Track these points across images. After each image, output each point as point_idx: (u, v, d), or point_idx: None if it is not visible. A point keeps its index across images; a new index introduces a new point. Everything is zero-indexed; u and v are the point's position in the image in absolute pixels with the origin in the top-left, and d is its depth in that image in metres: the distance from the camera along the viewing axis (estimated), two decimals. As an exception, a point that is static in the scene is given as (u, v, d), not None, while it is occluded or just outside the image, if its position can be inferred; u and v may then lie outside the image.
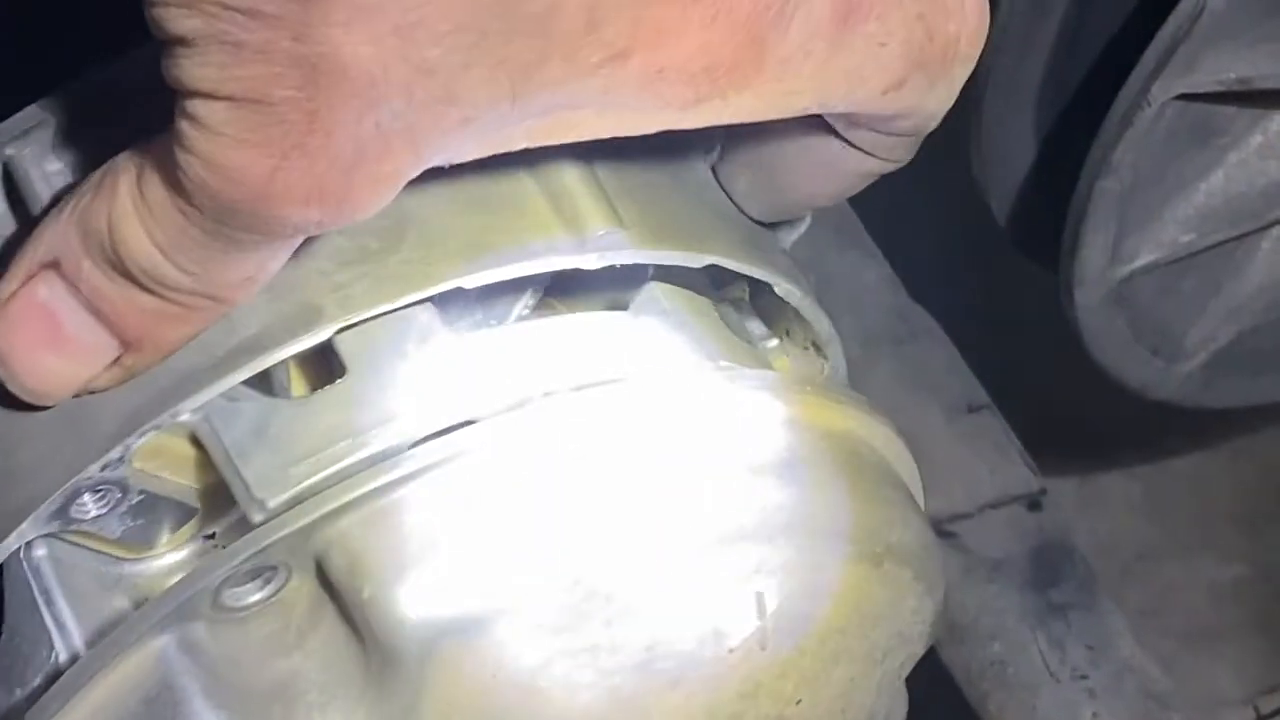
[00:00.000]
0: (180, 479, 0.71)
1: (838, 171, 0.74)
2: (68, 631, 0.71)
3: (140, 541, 0.72)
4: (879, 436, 0.76)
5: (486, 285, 0.69)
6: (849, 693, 0.76)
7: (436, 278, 0.68)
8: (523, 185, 0.71)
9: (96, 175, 0.64)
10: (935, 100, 0.71)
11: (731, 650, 0.70)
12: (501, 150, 0.64)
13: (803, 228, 0.81)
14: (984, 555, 1.42)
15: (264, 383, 0.70)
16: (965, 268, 1.59)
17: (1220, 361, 1.26)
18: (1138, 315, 1.20)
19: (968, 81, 0.71)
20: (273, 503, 0.66)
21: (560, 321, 0.72)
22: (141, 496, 0.70)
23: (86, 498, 0.69)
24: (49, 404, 0.67)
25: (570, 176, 0.71)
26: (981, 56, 0.71)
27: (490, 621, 0.66)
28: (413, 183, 0.62)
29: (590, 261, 0.70)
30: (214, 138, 0.58)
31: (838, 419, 0.74)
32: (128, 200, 0.62)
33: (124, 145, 0.64)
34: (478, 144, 0.63)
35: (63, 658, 0.70)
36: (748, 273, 0.75)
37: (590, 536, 0.67)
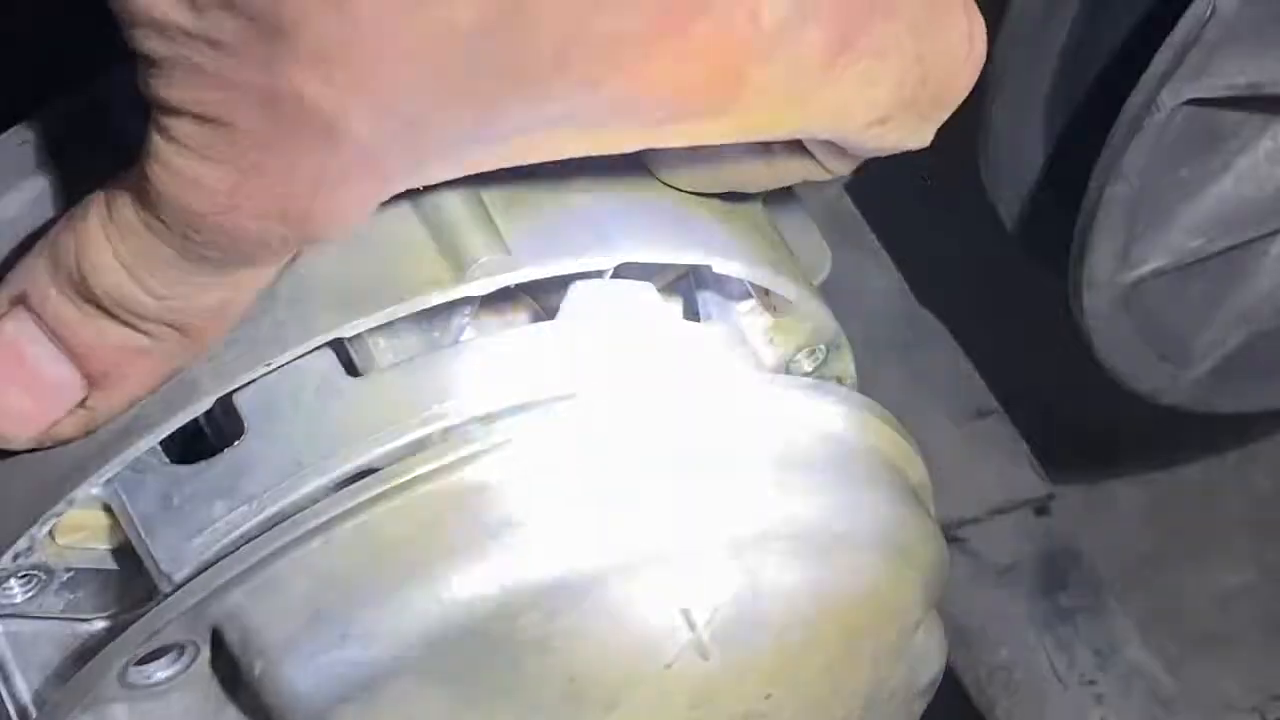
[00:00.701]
0: (108, 545, 0.70)
1: (778, 170, 0.73)
2: (25, 710, 0.70)
3: (92, 608, 0.71)
4: (837, 418, 0.73)
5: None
6: (832, 674, 0.74)
7: (311, 332, 0.67)
8: (401, 218, 0.69)
9: (67, 213, 0.64)
10: (915, 139, 0.70)
11: (668, 666, 0.68)
12: (473, 172, 0.64)
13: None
14: (992, 560, 1.41)
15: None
16: (973, 272, 1.59)
17: (1229, 367, 1.25)
18: (1147, 320, 1.20)
19: (975, 85, 0.71)
20: (178, 577, 0.66)
21: (472, 346, 0.70)
22: (70, 574, 0.70)
23: (12, 583, 0.69)
24: (10, 448, 0.66)
25: (450, 199, 0.69)
26: (991, 59, 0.70)
27: (384, 682, 0.65)
28: None
29: (474, 290, 0.68)
30: (180, 150, 0.59)
31: (758, 407, 0.71)
32: (96, 223, 0.63)
33: (105, 168, 0.64)
34: (446, 168, 0.64)
35: None
36: (669, 261, 0.73)
37: (484, 581, 0.65)
